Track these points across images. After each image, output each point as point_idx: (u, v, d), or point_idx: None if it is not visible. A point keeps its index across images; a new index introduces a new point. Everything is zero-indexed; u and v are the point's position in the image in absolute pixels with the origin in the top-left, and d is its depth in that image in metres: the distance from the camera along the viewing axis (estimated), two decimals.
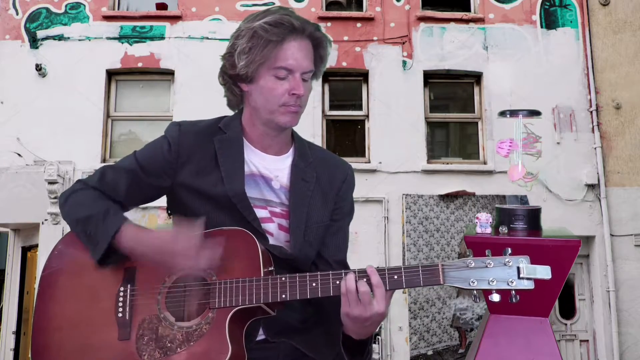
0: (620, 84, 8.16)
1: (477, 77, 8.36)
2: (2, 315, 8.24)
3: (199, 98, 7.33)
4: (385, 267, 1.35)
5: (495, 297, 1.30)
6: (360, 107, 8.38)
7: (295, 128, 1.66)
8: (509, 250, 1.32)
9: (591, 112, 8.09)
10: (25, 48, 8.12)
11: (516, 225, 2.65)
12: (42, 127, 7.80)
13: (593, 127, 8.06)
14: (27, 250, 8.34)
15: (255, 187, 1.55)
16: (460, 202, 7.89)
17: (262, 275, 1.39)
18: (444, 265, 1.32)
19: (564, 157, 7.95)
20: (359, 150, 8.26)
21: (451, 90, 8.80)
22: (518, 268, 1.30)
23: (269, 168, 1.58)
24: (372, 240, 7.71)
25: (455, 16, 8.41)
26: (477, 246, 2.41)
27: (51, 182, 7.42)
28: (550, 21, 8.41)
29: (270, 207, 1.56)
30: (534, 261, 1.31)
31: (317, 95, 7.95)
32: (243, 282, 1.38)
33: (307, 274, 1.39)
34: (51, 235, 7.27)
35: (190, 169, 1.53)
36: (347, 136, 8.51)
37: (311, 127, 7.68)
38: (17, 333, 8.09)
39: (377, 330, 1.42)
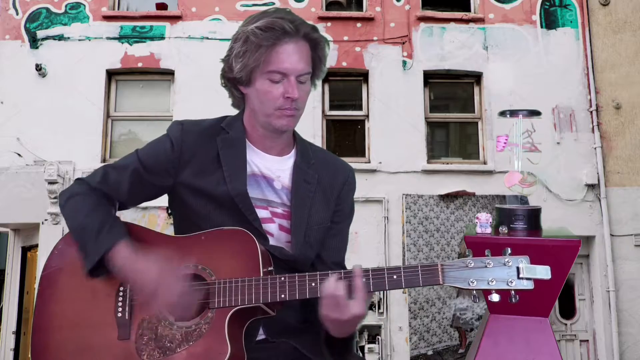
0: (620, 84, 8.16)
1: (477, 77, 8.36)
2: (2, 315, 8.24)
3: (199, 98, 7.34)
4: (385, 267, 1.35)
5: (495, 297, 1.29)
6: (360, 107, 8.38)
7: (295, 128, 1.66)
8: (509, 250, 1.32)
9: (591, 112, 8.09)
10: (25, 48, 8.12)
11: (516, 225, 2.64)
12: (42, 127, 7.80)
13: (593, 127, 8.06)
14: (27, 250, 8.34)
15: (256, 187, 1.55)
16: (460, 202, 7.90)
17: (261, 275, 1.39)
18: (444, 265, 1.32)
19: (564, 157, 7.95)
20: (359, 150, 8.26)
21: (451, 90, 8.80)
22: (518, 268, 1.30)
23: (270, 168, 1.58)
24: (372, 240, 7.72)
25: (455, 16, 8.41)
26: (477, 246, 2.41)
27: (51, 182, 7.42)
28: (550, 21, 8.41)
29: (271, 208, 1.56)
30: (533, 261, 1.31)
31: (317, 95, 7.95)
32: (242, 282, 1.38)
33: (307, 274, 1.38)
34: (51, 235, 7.27)
35: (193, 168, 1.53)
36: (347, 136, 8.51)
37: (311, 127, 7.68)
38: (17, 333, 8.09)
39: (358, 329, 1.42)
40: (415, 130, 8.05)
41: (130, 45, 8.18)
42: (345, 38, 8.25)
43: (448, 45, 8.28)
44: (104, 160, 7.87)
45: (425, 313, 7.66)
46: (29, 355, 1.50)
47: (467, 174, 8.00)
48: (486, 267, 1.31)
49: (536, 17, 8.39)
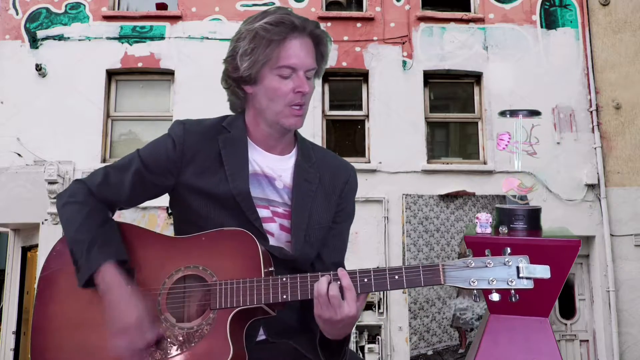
0: (620, 84, 8.16)
1: (477, 77, 8.37)
2: (2, 315, 8.24)
3: (199, 98, 7.34)
4: (386, 267, 1.35)
5: (495, 297, 1.30)
6: (360, 107, 8.38)
7: None
8: (509, 250, 1.33)
9: (591, 112, 8.09)
10: (25, 48, 8.12)
11: (516, 225, 2.64)
12: (42, 127, 7.80)
13: (593, 127, 8.07)
14: (27, 250, 8.34)
15: (258, 187, 1.54)
16: (460, 202, 7.90)
17: (262, 275, 1.39)
18: (445, 265, 1.33)
19: (564, 157, 7.95)
20: (359, 150, 8.26)
21: (451, 90, 8.80)
22: (517, 267, 1.31)
23: (272, 168, 1.58)
24: (372, 240, 7.72)
25: (455, 16, 8.41)
26: (477, 246, 2.41)
27: (51, 182, 7.42)
28: (550, 21, 8.42)
29: (272, 207, 1.55)
30: (533, 261, 1.31)
31: (317, 95, 7.94)
32: (244, 283, 1.38)
33: (308, 274, 1.38)
34: (51, 235, 7.27)
35: (194, 167, 1.53)
36: (347, 136, 8.51)
37: (311, 127, 7.68)
38: (17, 333, 8.09)
39: (352, 331, 1.42)
40: (415, 130, 8.06)
41: (130, 45, 8.18)
42: (345, 38, 8.25)
43: (448, 45, 8.29)
44: (104, 160, 7.87)
45: (425, 313, 7.66)
46: (29, 356, 1.50)
47: (467, 174, 8.00)
48: (486, 266, 1.31)
49: (536, 17, 8.39)
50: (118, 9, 8.50)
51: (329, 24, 8.26)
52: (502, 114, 2.96)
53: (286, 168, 1.59)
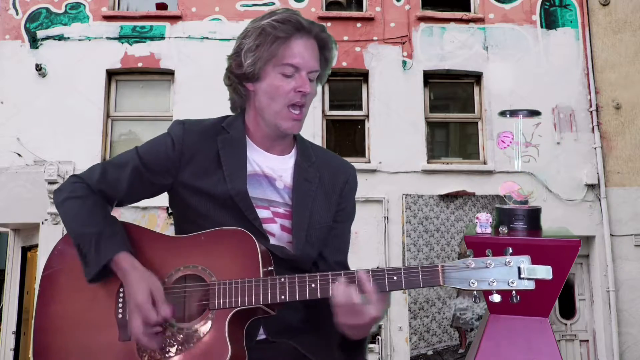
0: (620, 84, 8.16)
1: (477, 77, 8.37)
2: (2, 315, 8.24)
3: (199, 98, 7.34)
4: (385, 268, 1.35)
5: (496, 298, 1.29)
6: (360, 107, 8.38)
7: None
8: (510, 250, 1.31)
9: (591, 112, 8.09)
10: (25, 48, 8.12)
11: (516, 225, 2.64)
12: (42, 127, 7.80)
13: (593, 127, 8.07)
14: (27, 250, 8.35)
15: (258, 187, 1.54)
16: (460, 202, 7.90)
17: (261, 275, 1.39)
18: (444, 267, 1.31)
19: (564, 157, 7.95)
20: (359, 150, 8.26)
21: (451, 90, 8.80)
22: (519, 268, 1.29)
23: (272, 168, 1.57)
24: (372, 240, 7.72)
25: (455, 16, 8.41)
26: (477, 246, 2.41)
27: (51, 182, 7.43)
28: (550, 21, 8.41)
29: (273, 208, 1.55)
30: (534, 261, 1.30)
31: (317, 95, 7.90)
32: (242, 283, 1.38)
33: (307, 274, 1.38)
34: (51, 235, 7.27)
35: (193, 167, 1.52)
36: (347, 136, 8.51)
37: (311, 127, 7.67)
38: (17, 333, 8.09)
39: (375, 330, 1.42)
40: (415, 130, 8.05)
41: (130, 45, 8.18)
42: (345, 38, 8.25)
43: (448, 45, 8.29)
44: (103, 160, 7.85)
45: (425, 313, 7.66)
46: (29, 356, 1.50)
47: (467, 174, 8.00)
48: (487, 267, 1.30)
49: (536, 17, 8.39)
50: (118, 9, 8.50)
51: (329, 24, 8.25)
52: (502, 114, 2.96)
53: (286, 168, 1.59)
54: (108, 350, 1.41)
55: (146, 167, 1.53)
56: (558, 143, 7.96)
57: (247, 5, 8.25)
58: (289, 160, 1.60)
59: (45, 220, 7.61)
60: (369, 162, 7.98)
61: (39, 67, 7.91)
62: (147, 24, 8.26)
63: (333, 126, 8.47)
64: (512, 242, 2.48)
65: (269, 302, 1.37)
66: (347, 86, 8.60)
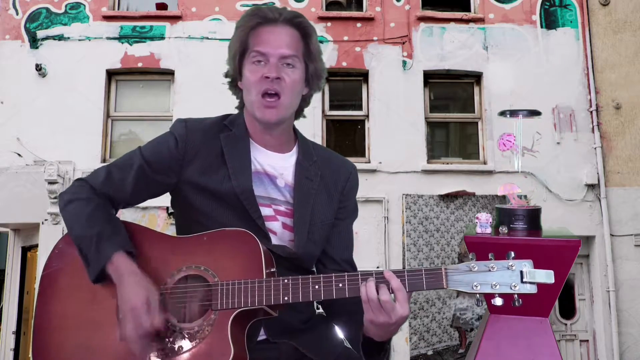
0: (620, 84, 8.16)
1: (477, 77, 8.36)
2: (2, 315, 8.23)
3: (199, 98, 7.34)
4: (388, 270, 1.35)
5: (499, 301, 1.29)
6: (360, 107, 8.38)
7: (295, 127, 1.67)
8: (512, 254, 1.32)
9: (591, 112, 8.09)
10: (25, 48, 8.12)
11: (516, 225, 2.65)
12: (42, 127, 7.80)
13: (593, 127, 8.07)
14: (27, 250, 8.34)
15: (260, 185, 1.54)
16: (460, 202, 7.90)
17: (264, 276, 1.39)
18: (448, 269, 1.32)
19: (564, 157, 7.95)
20: (359, 150, 8.26)
21: (451, 90, 8.80)
22: (521, 272, 1.30)
23: (274, 166, 1.58)
24: (372, 240, 7.71)
25: (455, 16, 8.40)
26: (477, 246, 2.42)
27: (51, 182, 7.42)
28: (550, 21, 8.41)
29: (274, 206, 1.55)
30: (534, 261, 1.31)
31: (317, 95, 7.86)
32: (245, 284, 1.38)
33: (310, 276, 1.38)
34: (51, 235, 7.27)
35: (197, 166, 1.53)
36: (347, 136, 8.51)
37: (311, 127, 7.67)
38: (17, 333, 8.09)
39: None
40: (415, 130, 8.05)
41: (130, 45, 8.18)
42: (345, 38, 8.25)
43: (448, 45, 8.28)
44: (104, 160, 7.86)
45: (425, 313, 7.66)
46: (29, 355, 1.50)
47: (467, 174, 8.00)
48: (490, 270, 1.30)
49: (536, 17, 8.39)
50: (118, 9, 8.49)
51: (329, 24, 8.26)
52: (502, 114, 2.96)
53: (287, 166, 1.59)
54: (108, 350, 1.41)
55: (150, 167, 1.53)
56: (558, 143, 7.96)
57: (247, 5, 8.24)
58: (290, 158, 1.61)
59: (45, 220, 7.60)
60: (369, 162, 7.98)
61: (39, 67, 7.90)
62: (147, 24, 8.25)
63: (333, 126, 8.47)
64: (512, 242, 2.48)
65: (272, 303, 1.37)
66: (347, 86, 8.60)
